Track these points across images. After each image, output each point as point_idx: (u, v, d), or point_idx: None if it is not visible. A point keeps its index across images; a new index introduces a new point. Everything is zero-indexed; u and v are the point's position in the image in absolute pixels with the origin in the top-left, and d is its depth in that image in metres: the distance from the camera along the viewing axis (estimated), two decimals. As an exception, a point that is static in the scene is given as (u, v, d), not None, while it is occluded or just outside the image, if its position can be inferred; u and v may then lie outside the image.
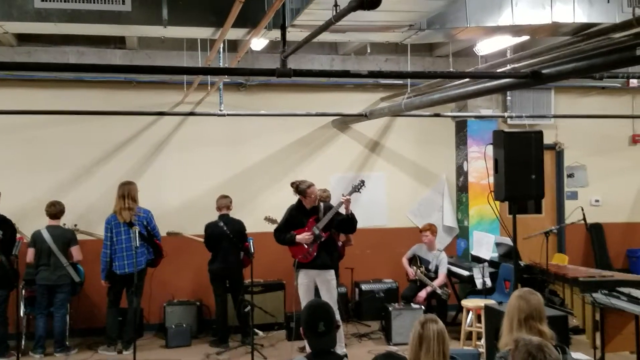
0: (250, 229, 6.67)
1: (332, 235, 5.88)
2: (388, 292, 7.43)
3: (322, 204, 5.84)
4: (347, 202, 5.58)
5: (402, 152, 8.00)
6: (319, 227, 5.68)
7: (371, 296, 7.38)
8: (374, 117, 6.94)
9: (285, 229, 5.78)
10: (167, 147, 7.35)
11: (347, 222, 5.69)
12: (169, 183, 7.35)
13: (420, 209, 8.03)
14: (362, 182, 5.76)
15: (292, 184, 5.79)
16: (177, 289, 7.25)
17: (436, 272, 6.80)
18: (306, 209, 5.77)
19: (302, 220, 5.75)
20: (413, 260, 7.07)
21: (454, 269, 7.10)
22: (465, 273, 6.89)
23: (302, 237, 5.67)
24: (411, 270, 6.92)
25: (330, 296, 5.69)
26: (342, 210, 5.69)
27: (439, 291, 6.51)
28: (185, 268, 7.32)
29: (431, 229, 6.93)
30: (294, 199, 5.90)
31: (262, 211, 7.05)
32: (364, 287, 7.47)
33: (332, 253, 5.83)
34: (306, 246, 5.69)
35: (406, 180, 7.99)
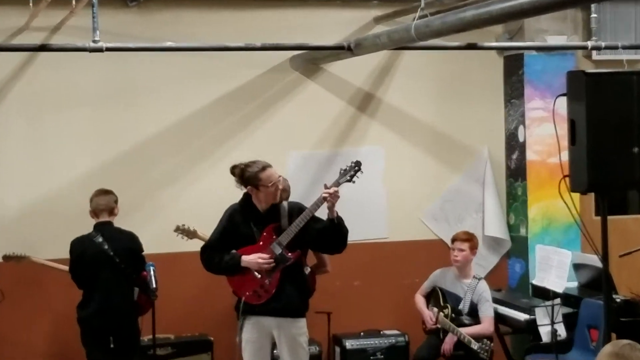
0: (150, 247, 6.64)
1: (301, 257, 5.90)
2: (391, 351, 7.44)
3: (286, 204, 5.87)
4: (334, 197, 5.58)
5: (412, 111, 7.98)
6: (283, 242, 5.69)
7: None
8: (364, 52, 6.89)
9: (222, 247, 5.77)
10: (0, 109, 7.25)
11: (333, 233, 5.69)
12: (4, 173, 7.26)
13: (444, 208, 8.05)
14: (357, 164, 5.77)
15: (234, 168, 5.77)
16: (26, 353, 7.22)
17: (472, 314, 6.84)
18: (258, 212, 5.77)
19: (250, 231, 5.76)
20: (432, 296, 7.07)
21: (503, 309, 7.12)
22: (523, 316, 6.91)
23: (253, 259, 5.67)
24: (429, 314, 6.93)
25: (296, 362, 5.73)
26: (322, 214, 5.70)
27: (474, 346, 6.57)
28: (36, 317, 7.25)
29: (470, 240, 6.97)
30: (231, 195, 5.87)
31: (170, 217, 6.97)
32: (349, 344, 7.47)
33: (301, 287, 5.87)
34: (259, 276, 5.69)
35: (419, 160, 7.99)
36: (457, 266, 6.93)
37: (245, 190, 5.78)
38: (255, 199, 5.75)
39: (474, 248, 6.96)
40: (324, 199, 5.59)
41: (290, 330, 5.75)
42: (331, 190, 5.59)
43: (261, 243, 5.72)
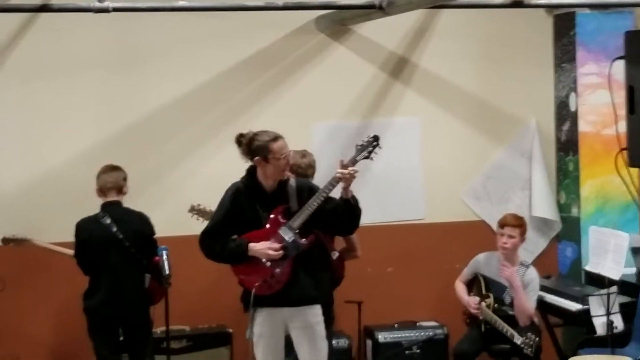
0: (162, 229, 6.71)
1: (319, 240, 5.91)
2: (429, 345, 7.50)
3: (294, 182, 5.85)
4: (350, 176, 5.59)
5: (450, 77, 8.02)
6: (294, 225, 5.69)
7: (397, 354, 7.44)
8: (397, 11, 6.89)
9: (225, 232, 5.78)
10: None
11: (346, 215, 5.70)
12: (3, 146, 7.34)
13: (486, 186, 8.11)
14: (375, 138, 5.74)
15: (240, 137, 5.77)
16: (26, 345, 7.31)
17: (519, 304, 6.93)
18: (265, 192, 5.77)
19: (257, 214, 5.75)
20: (474, 283, 7.14)
21: (553, 298, 7.18)
22: (575, 306, 6.97)
23: (262, 249, 5.67)
24: (471, 301, 7.01)
25: (316, 354, 5.76)
26: (336, 193, 5.71)
27: (517, 341, 6.62)
28: (40, 306, 7.36)
29: (521, 225, 7.00)
30: (241, 172, 5.90)
31: (184, 196, 7.04)
32: (382, 337, 7.55)
33: (317, 275, 5.85)
34: (269, 264, 5.71)
35: (459, 132, 8.04)
36: (505, 253, 6.96)
37: (249, 165, 5.76)
38: (261, 174, 5.71)
39: (524, 234, 7.00)
40: (339, 178, 5.57)
41: (307, 318, 5.75)
42: (346, 170, 5.55)
43: (269, 227, 5.68)
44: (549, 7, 7.89)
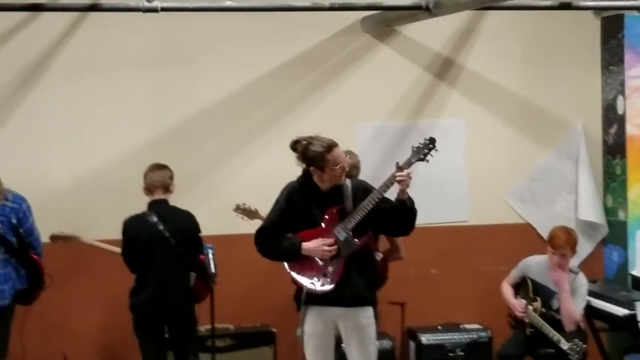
0: (208, 228, 6.72)
1: (370, 242, 5.92)
2: (472, 348, 7.49)
3: (349, 182, 5.85)
4: (406, 178, 5.60)
5: (496, 79, 8.02)
6: (348, 226, 5.70)
7: (440, 356, 7.44)
8: (444, 12, 6.91)
9: (279, 230, 5.80)
10: (47, 75, 7.40)
11: (402, 216, 5.72)
12: (52, 144, 7.43)
13: (532, 188, 8.08)
14: (432, 141, 5.74)
15: (295, 144, 5.76)
16: (73, 343, 7.37)
17: (566, 309, 6.90)
18: (320, 192, 5.77)
19: (312, 214, 5.76)
20: (522, 286, 7.11)
21: (599, 303, 7.15)
22: (621, 311, 6.93)
23: (316, 246, 5.70)
24: (518, 302, 6.98)
25: (366, 356, 5.76)
26: (391, 194, 5.71)
27: (564, 347, 6.57)
28: (86, 304, 7.43)
29: (574, 240, 6.85)
30: (292, 172, 5.92)
31: (229, 195, 7.06)
32: (425, 339, 7.54)
33: (369, 275, 5.87)
34: (322, 263, 5.73)
35: (504, 134, 8.03)
36: (556, 265, 6.83)
37: (304, 168, 5.76)
38: (317, 179, 5.72)
39: (575, 248, 6.88)
40: (397, 181, 5.57)
41: (359, 319, 5.74)
42: (404, 173, 5.57)
43: (323, 226, 5.70)
44: (597, 9, 7.84)
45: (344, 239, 5.66)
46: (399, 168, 5.59)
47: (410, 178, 5.59)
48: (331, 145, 5.63)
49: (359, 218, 5.63)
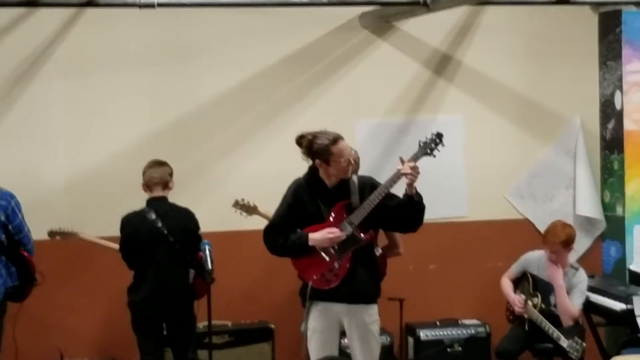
0: (206, 225, 6.73)
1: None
2: (471, 343, 7.49)
3: (356, 178, 5.85)
4: (412, 172, 5.60)
5: (494, 74, 8.00)
6: (354, 221, 5.69)
7: (439, 352, 7.45)
8: (442, 7, 6.93)
9: (287, 226, 5.79)
10: (44, 72, 7.40)
11: (410, 211, 5.71)
12: (48, 140, 7.44)
13: (530, 184, 8.08)
14: (439, 136, 5.73)
15: (300, 139, 5.76)
16: (69, 340, 7.37)
17: (565, 305, 6.90)
18: (327, 188, 5.77)
19: (318, 209, 5.76)
20: (521, 281, 7.11)
21: (597, 298, 7.14)
22: (619, 306, 6.92)
23: (321, 236, 5.68)
24: (517, 297, 6.98)
25: (367, 355, 5.77)
26: (398, 190, 5.70)
27: (563, 344, 6.57)
28: (83, 301, 7.43)
29: (566, 237, 6.86)
30: (294, 167, 5.91)
31: (228, 191, 7.07)
32: (424, 334, 7.55)
33: (374, 271, 5.89)
34: (328, 258, 5.72)
35: (503, 130, 8.03)
36: (552, 259, 6.90)
37: (310, 164, 5.76)
38: (323, 174, 5.72)
39: (568, 245, 6.89)
40: (404, 175, 5.55)
41: (363, 317, 5.75)
42: (411, 166, 5.55)
43: (330, 222, 5.69)
44: (595, 4, 7.83)
45: (350, 233, 5.67)
46: (403, 162, 5.58)
47: (418, 173, 5.58)
48: (337, 138, 5.66)
49: (366, 213, 5.62)
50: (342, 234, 5.64)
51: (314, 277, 5.73)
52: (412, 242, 7.05)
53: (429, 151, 5.71)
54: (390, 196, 5.67)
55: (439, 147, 5.72)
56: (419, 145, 5.73)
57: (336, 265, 5.69)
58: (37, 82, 7.40)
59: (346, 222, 5.67)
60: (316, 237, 5.66)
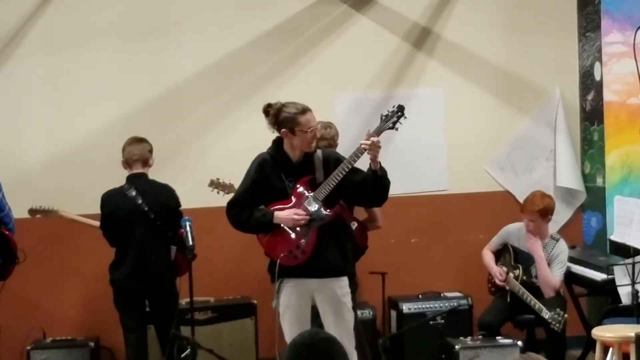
0: (187, 201, 6.74)
1: (342, 212, 5.91)
2: (453, 315, 7.48)
3: (320, 153, 5.83)
4: (375, 146, 5.55)
5: (474, 47, 8.01)
6: (319, 196, 5.65)
7: (421, 325, 7.43)
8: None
9: (251, 202, 5.76)
10: (21, 48, 7.41)
11: (374, 186, 5.67)
12: (26, 119, 7.45)
13: (510, 156, 8.09)
14: (400, 108, 5.71)
15: (268, 107, 5.73)
16: (52, 318, 7.41)
17: (546, 276, 6.93)
18: (291, 162, 5.75)
19: (282, 184, 5.74)
20: (502, 254, 7.14)
21: (578, 268, 7.16)
22: (600, 276, 6.93)
23: (287, 215, 5.65)
24: (499, 270, 7.02)
25: (342, 327, 5.74)
26: (362, 164, 5.69)
27: (545, 315, 6.61)
28: (65, 279, 7.45)
29: (542, 207, 6.92)
30: (266, 143, 5.90)
31: (208, 167, 7.08)
32: (406, 307, 7.57)
33: (343, 245, 5.84)
34: (294, 235, 5.69)
35: (482, 102, 8.03)
36: (529, 231, 6.97)
37: (276, 136, 5.73)
38: (287, 146, 5.68)
39: (546, 215, 6.95)
40: (364, 149, 5.52)
41: (334, 290, 5.73)
42: (370, 140, 5.49)
43: (294, 198, 5.66)
44: (574, -25, 7.85)
45: (315, 209, 5.63)
46: (368, 136, 5.54)
47: (379, 147, 5.52)
48: (305, 109, 5.63)
49: (329, 188, 5.59)
50: (307, 217, 5.59)
51: (281, 254, 5.68)
52: (393, 216, 7.09)
53: (391, 125, 5.64)
54: (354, 170, 5.63)
55: (402, 120, 5.65)
56: (381, 118, 5.67)
57: (303, 242, 5.65)
58: (14, 60, 7.42)
59: (311, 198, 5.64)
60: (281, 215, 5.62)
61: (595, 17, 7.85)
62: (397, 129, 5.69)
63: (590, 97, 8.00)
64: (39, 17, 7.40)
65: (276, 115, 5.62)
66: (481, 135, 8.04)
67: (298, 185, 5.68)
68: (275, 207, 5.67)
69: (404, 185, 7.62)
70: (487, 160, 8.07)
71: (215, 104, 7.67)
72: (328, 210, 5.65)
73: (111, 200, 6.54)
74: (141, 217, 6.47)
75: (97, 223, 6.69)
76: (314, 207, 5.62)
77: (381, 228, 6.96)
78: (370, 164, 5.59)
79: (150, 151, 6.62)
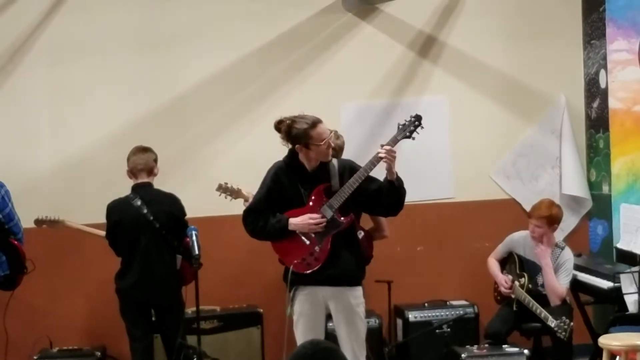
0: (192, 210, 6.72)
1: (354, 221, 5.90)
2: (459, 324, 7.50)
3: (335, 161, 5.83)
4: (390, 156, 5.57)
5: (479, 55, 8.02)
6: (334, 204, 5.67)
7: (427, 333, 7.44)
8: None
9: (267, 209, 5.77)
10: (29, 58, 7.43)
11: (390, 195, 5.68)
12: (35, 128, 7.46)
13: (516, 164, 8.09)
14: (417, 118, 5.72)
15: (279, 124, 5.73)
16: (58, 327, 7.41)
17: (552, 284, 6.92)
18: (306, 171, 5.75)
19: (298, 193, 5.74)
20: (508, 262, 7.13)
21: (584, 276, 7.16)
22: (606, 284, 6.92)
23: (302, 220, 5.67)
24: (504, 277, 7.01)
25: (354, 336, 5.77)
26: (377, 173, 5.68)
27: (551, 324, 6.59)
28: (71, 288, 7.46)
29: (550, 214, 6.91)
30: (277, 151, 5.90)
31: (213, 176, 7.03)
32: (412, 316, 7.56)
33: (357, 253, 5.87)
34: (308, 242, 5.72)
35: (488, 110, 8.03)
36: (534, 238, 6.96)
37: (290, 148, 5.72)
38: (303, 158, 5.69)
39: (552, 223, 6.94)
40: (380, 158, 5.54)
41: (348, 300, 5.74)
42: (386, 149, 5.52)
43: (310, 205, 5.67)
44: (579, -18, 7.86)
45: (331, 217, 5.64)
46: (384, 147, 5.56)
47: (394, 156, 5.55)
48: (315, 122, 5.61)
49: (345, 196, 5.60)
50: (323, 221, 5.61)
51: (295, 261, 5.70)
52: (399, 225, 7.06)
53: (408, 134, 5.69)
54: (370, 179, 5.65)
55: (418, 129, 5.70)
56: (398, 127, 5.71)
57: (317, 249, 5.67)
58: (20, 70, 7.43)
59: (326, 206, 5.65)
60: (296, 221, 5.64)
61: (600, 25, 7.84)
62: (413, 139, 5.74)
63: (595, 104, 7.99)
64: (45, 29, 7.41)
65: (287, 131, 5.63)
66: (487, 143, 8.04)
67: (314, 194, 5.70)
68: (291, 214, 5.68)
69: (410, 193, 7.46)
70: (493, 168, 8.06)
71: (221, 113, 7.67)
72: (343, 218, 5.67)
73: (116, 210, 6.53)
74: (146, 226, 6.45)
75: (102, 233, 6.67)
76: (329, 214, 5.64)
77: (387, 237, 6.95)
78: (386, 174, 5.62)
79: (155, 160, 6.60)
